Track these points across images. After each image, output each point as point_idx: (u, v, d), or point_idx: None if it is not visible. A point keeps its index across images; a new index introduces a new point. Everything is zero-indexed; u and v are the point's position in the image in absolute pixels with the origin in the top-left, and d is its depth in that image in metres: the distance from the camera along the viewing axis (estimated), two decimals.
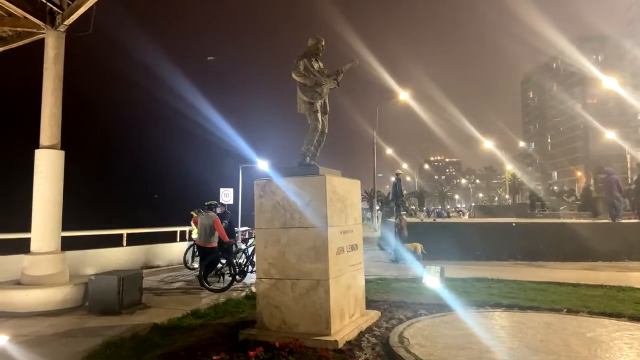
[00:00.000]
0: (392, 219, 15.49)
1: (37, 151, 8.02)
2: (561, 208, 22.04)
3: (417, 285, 8.56)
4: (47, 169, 7.94)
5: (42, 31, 8.26)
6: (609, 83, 44.37)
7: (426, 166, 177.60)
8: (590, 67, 70.17)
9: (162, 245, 13.35)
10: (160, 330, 5.92)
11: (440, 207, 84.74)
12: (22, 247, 8.39)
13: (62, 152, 8.20)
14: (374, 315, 6.13)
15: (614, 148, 62.35)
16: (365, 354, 4.74)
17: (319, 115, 6.07)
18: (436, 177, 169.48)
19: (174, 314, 6.82)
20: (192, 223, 12.05)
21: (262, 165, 20.17)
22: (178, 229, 14.29)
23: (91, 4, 7.89)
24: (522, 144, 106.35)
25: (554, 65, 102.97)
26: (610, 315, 6.04)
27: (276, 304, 5.41)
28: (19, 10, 7.90)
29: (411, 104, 33.22)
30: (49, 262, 7.77)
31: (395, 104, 32.96)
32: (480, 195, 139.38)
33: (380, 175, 32.13)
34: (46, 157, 7.98)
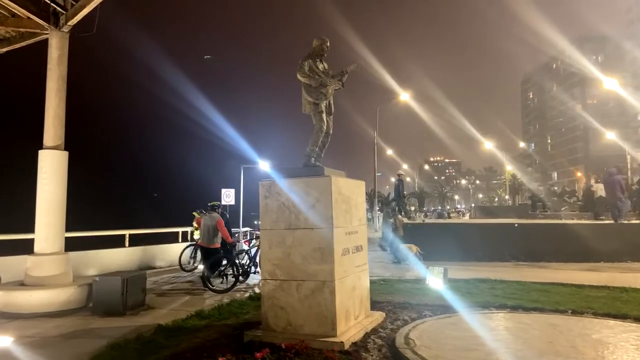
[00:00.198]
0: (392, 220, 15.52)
1: (40, 152, 7.99)
2: (562, 209, 22.04)
3: (420, 286, 8.56)
4: (51, 170, 7.92)
5: (46, 32, 8.24)
6: (610, 84, 44.34)
7: (426, 167, 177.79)
8: (590, 68, 70.19)
9: (163, 246, 13.36)
10: (165, 331, 5.91)
11: (440, 207, 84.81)
12: (26, 247, 8.37)
13: (66, 153, 8.18)
14: (378, 316, 6.12)
15: (614, 149, 62.29)
16: (372, 355, 4.74)
17: (324, 116, 6.05)
18: (436, 177, 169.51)
19: (177, 315, 6.82)
20: (194, 224, 12.06)
21: (264, 165, 20.19)
22: (180, 229, 14.29)
23: (95, 4, 7.87)
24: (522, 144, 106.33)
25: (554, 65, 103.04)
26: (615, 316, 6.04)
27: (281, 305, 5.40)
28: (23, 11, 7.88)
29: (411, 104, 33.30)
30: (53, 263, 7.76)
31: (396, 104, 33.06)
32: (480, 195, 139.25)
33: (379, 174, 32.02)
34: (50, 158, 7.96)
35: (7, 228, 10.62)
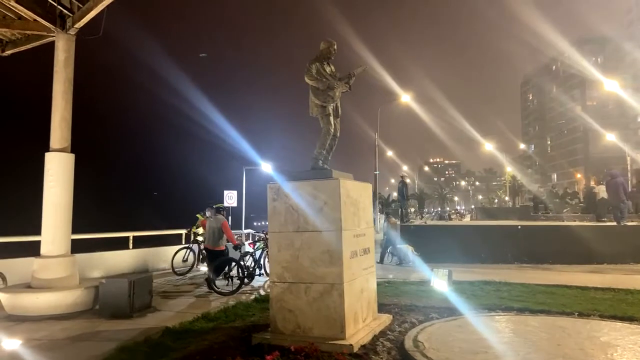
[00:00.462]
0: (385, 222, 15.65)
1: (47, 154, 8.00)
2: (564, 211, 22.06)
3: (425, 288, 8.57)
4: (58, 172, 7.93)
5: (52, 34, 8.26)
6: (609, 85, 44.45)
7: (426, 168, 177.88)
8: (590, 69, 70.25)
9: (167, 247, 13.35)
10: (173, 334, 5.91)
11: (439, 209, 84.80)
12: (32, 250, 8.38)
13: (73, 155, 8.19)
14: (386, 319, 6.13)
15: (614, 150, 62.40)
16: (382, 358, 4.75)
17: (332, 118, 6.06)
18: (435, 179, 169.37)
19: (184, 317, 6.83)
20: (199, 225, 12.07)
21: (266, 167, 20.22)
22: (183, 231, 14.30)
23: (102, 7, 7.89)
24: (522, 145, 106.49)
25: (554, 67, 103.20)
26: (622, 318, 6.04)
27: (290, 307, 5.41)
28: (29, 13, 7.89)
29: (412, 106, 33.30)
30: (60, 265, 7.77)
31: (397, 106, 33.07)
32: (480, 197, 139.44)
33: (377, 172, 32.01)
34: (56, 160, 7.97)
35: (14, 230, 10.63)
